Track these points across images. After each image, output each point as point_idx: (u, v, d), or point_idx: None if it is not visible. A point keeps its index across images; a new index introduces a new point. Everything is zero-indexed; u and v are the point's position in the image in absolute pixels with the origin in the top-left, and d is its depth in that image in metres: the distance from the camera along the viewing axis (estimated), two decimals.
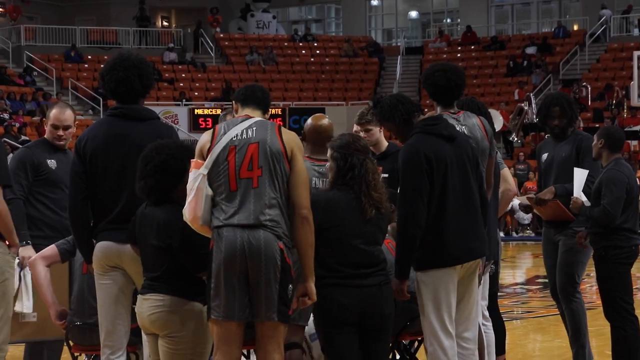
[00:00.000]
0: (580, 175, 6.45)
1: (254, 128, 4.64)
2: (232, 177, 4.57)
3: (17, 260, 5.59)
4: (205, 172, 4.58)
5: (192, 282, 4.68)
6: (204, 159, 4.61)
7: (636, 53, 24.17)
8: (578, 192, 6.44)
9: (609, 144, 6.50)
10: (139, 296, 4.75)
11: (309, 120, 5.59)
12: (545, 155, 6.79)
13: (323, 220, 4.82)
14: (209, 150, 4.62)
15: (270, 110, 4.91)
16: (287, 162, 4.60)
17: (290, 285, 4.59)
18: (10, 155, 7.67)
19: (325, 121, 5.59)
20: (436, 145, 5.04)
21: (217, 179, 4.59)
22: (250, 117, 4.71)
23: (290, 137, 4.66)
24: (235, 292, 4.53)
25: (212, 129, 4.72)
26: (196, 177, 4.58)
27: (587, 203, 6.42)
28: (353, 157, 4.91)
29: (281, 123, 5.63)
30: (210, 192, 4.59)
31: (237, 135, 4.62)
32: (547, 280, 6.84)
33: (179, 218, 4.60)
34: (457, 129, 5.29)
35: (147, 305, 4.66)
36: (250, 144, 4.59)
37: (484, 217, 5.21)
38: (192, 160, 4.66)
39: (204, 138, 4.69)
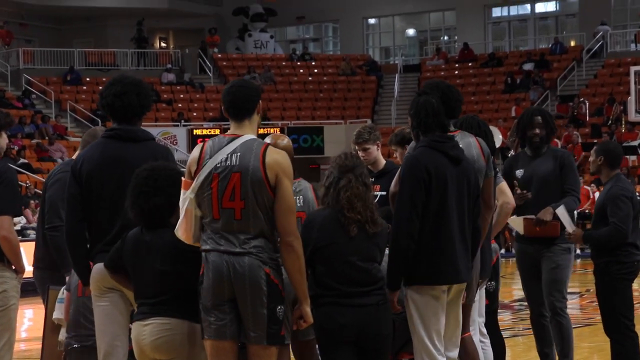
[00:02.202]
0: (563, 213, 6.45)
1: (238, 154, 4.56)
2: (214, 205, 4.55)
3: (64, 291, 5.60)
4: (192, 196, 4.58)
5: (196, 303, 4.63)
6: (192, 179, 4.61)
7: (633, 68, 24.19)
8: (571, 227, 6.47)
9: (609, 161, 6.48)
10: (136, 322, 4.67)
11: (267, 140, 5.42)
12: (520, 171, 6.75)
13: (319, 239, 4.84)
14: (196, 172, 4.60)
15: (260, 112, 4.74)
16: (270, 189, 4.52)
17: (280, 307, 4.57)
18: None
19: (283, 141, 5.50)
20: (438, 162, 5.03)
21: (202, 203, 4.59)
22: (237, 137, 4.63)
23: (276, 161, 4.56)
24: (225, 313, 4.54)
25: (201, 146, 4.67)
26: (185, 198, 4.58)
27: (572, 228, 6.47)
28: (332, 176, 4.93)
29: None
30: (199, 212, 4.59)
31: (221, 161, 4.56)
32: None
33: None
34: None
35: (151, 330, 4.60)
36: (233, 172, 4.53)
37: (474, 248, 5.22)
38: (182, 179, 4.66)
39: (193, 155, 4.67)
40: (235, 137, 4.64)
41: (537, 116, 6.76)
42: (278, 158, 4.57)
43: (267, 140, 5.43)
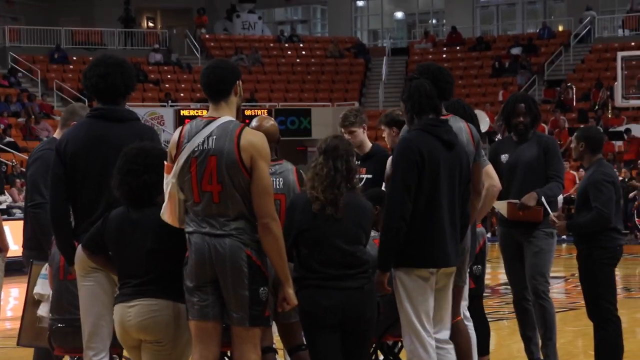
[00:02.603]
0: (545, 202, 6.52)
1: (214, 137, 4.54)
2: (195, 189, 4.55)
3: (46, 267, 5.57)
4: (174, 180, 4.57)
5: (181, 283, 4.62)
6: (173, 162, 4.60)
7: (620, 54, 24.25)
8: (556, 213, 6.53)
9: (591, 146, 6.51)
10: (120, 304, 4.65)
11: (253, 123, 5.46)
12: (505, 156, 6.79)
13: (301, 222, 4.84)
14: (176, 156, 4.59)
15: (239, 93, 4.67)
16: (246, 171, 4.50)
17: (263, 288, 4.56)
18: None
19: (269, 124, 5.47)
20: (432, 145, 5.04)
21: (184, 187, 4.59)
22: (214, 120, 4.60)
23: (251, 142, 4.53)
24: (208, 294, 4.55)
25: (180, 129, 4.65)
26: (167, 182, 4.58)
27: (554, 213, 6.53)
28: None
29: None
30: (182, 196, 4.59)
31: (198, 145, 4.54)
32: None
33: None
34: None
35: (138, 311, 4.58)
36: (209, 156, 4.52)
37: (461, 232, 5.24)
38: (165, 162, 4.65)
39: (173, 139, 4.65)
40: (212, 119, 4.61)
41: (520, 104, 6.79)
42: (253, 140, 4.55)
43: (253, 122, 5.43)
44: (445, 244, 5.05)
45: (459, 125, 5.41)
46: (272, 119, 5.68)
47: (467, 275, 5.65)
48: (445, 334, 5.20)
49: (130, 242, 4.64)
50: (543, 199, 6.51)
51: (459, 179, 5.12)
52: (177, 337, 4.61)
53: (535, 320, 6.84)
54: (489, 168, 6.07)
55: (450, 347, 5.21)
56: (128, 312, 4.61)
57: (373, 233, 5.22)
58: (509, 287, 7.17)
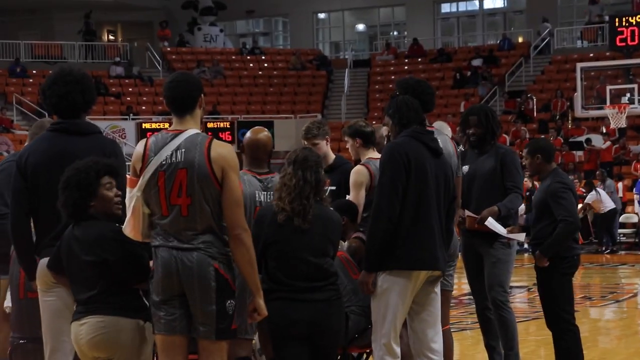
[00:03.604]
0: (492, 223, 6.53)
1: (183, 150, 4.52)
2: (163, 202, 4.53)
3: None
4: (139, 194, 4.54)
5: (131, 298, 4.61)
6: (138, 176, 4.57)
7: (579, 65, 24.51)
8: (503, 231, 6.55)
9: (546, 157, 6.60)
10: (74, 322, 4.62)
11: (248, 134, 5.52)
12: (466, 168, 6.85)
13: (268, 235, 4.84)
14: (141, 170, 4.56)
15: (203, 105, 4.68)
16: (217, 183, 4.50)
17: (230, 301, 4.54)
18: None
19: (263, 134, 5.52)
20: (419, 152, 5.15)
21: (150, 201, 4.56)
22: (181, 132, 4.58)
23: (222, 154, 4.53)
24: (175, 308, 4.53)
25: (144, 143, 4.62)
26: (132, 196, 4.55)
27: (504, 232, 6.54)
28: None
29: (230, 138, 5.60)
30: (147, 210, 4.56)
31: (166, 158, 4.52)
32: None
33: (111, 231, 4.57)
34: None
35: (87, 329, 4.55)
36: (178, 169, 4.50)
37: (447, 243, 5.31)
38: (127, 176, 4.63)
39: (137, 152, 4.61)
40: (178, 132, 4.59)
41: (472, 116, 6.85)
42: (223, 152, 4.54)
43: (248, 133, 5.50)
44: (434, 248, 5.13)
45: (443, 137, 5.55)
46: (266, 129, 5.69)
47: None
48: (439, 343, 5.25)
49: (75, 258, 4.61)
50: (491, 218, 6.52)
51: (444, 188, 5.20)
52: (132, 352, 4.57)
53: (497, 330, 6.87)
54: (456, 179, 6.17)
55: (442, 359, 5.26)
56: (80, 329, 4.59)
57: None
58: (472, 297, 7.21)
